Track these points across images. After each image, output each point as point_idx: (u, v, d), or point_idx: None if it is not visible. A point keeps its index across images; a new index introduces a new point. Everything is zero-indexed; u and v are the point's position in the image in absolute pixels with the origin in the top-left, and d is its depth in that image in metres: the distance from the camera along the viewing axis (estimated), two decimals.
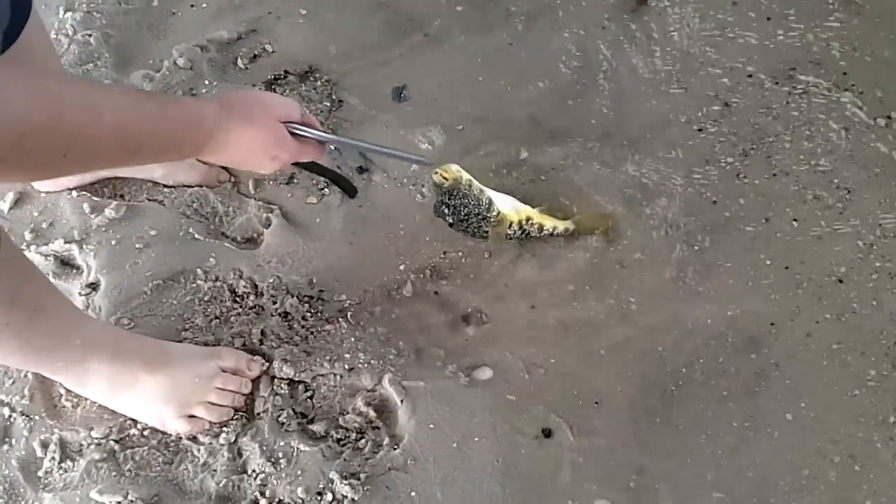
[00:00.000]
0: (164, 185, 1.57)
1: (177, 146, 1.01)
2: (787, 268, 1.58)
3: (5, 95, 0.70)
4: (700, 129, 1.77)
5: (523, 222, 1.53)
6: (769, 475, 1.36)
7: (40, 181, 1.24)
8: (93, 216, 1.51)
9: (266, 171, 1.19)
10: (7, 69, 0.70)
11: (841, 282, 1.57)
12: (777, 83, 1.83)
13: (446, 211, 1.48)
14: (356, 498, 1.26)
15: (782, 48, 1.88)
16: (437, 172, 1.45)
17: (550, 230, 1.56)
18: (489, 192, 1.49)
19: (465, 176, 1.45)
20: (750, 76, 1.84)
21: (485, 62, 1.87)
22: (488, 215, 1.48)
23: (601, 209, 1.64)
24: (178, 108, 1.01)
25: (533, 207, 1.55)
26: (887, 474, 1.36)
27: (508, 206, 1.51)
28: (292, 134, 1.18)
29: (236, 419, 1.33)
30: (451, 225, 1.51)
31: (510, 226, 1.51)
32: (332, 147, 1.35)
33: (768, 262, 1.59)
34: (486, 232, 1.51)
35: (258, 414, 1.34)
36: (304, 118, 1.21)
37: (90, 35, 1.82)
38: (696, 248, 1.60)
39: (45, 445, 1.30)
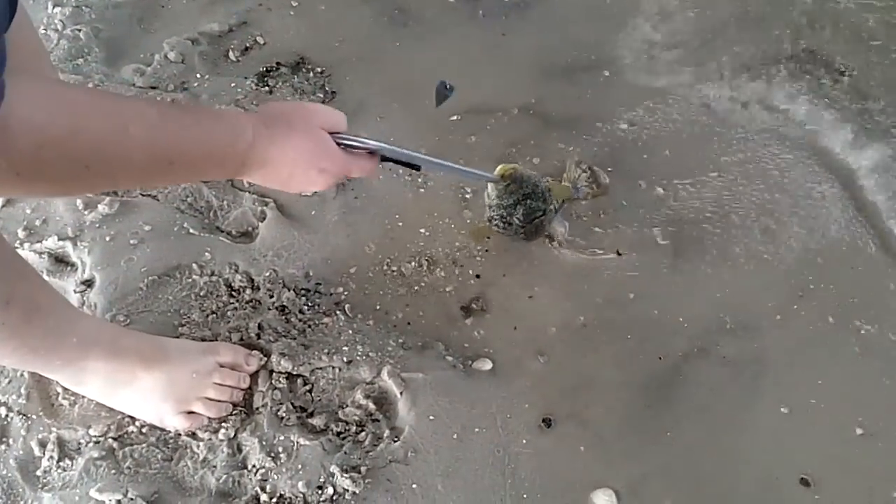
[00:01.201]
0: None
1: (215, 160, 0.96)
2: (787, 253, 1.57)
3: (21, 105, 0.69)
4: (706, 105, 1.76)
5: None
6: (770, 464, 1.35)
7: (67, 196, 1.20)
8: (86, 212, 1.50)
9: (317, 187, 1.11)
10: (23, 78, 0.69)
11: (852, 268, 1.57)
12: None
13: (511, 211, 1.42)
14: (357, 491, 1.25)
15: None
16: (502, 175, 1.37)
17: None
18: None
19: (513, 166, 1.39)
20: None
21: (478, 53, 1.86)
22: (550, 194, 1.47)
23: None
24: (212, 119, 0.96)
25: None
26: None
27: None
28: (341, 147, 1.11)
29: (235, 414, 1.32)
30: (520, 226, 1.45)
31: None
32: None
33: (766, 251, 1.58)
34: (552, 208, 1.50)
35: (257, 409, 1.33)
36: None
37: (80, 30, 1.80)
38: (692, 235, 1.60)
39: (43, 444, 1.29)
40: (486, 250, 1.54)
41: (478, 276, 1.52)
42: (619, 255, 1.56)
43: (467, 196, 1.61)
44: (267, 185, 1.07)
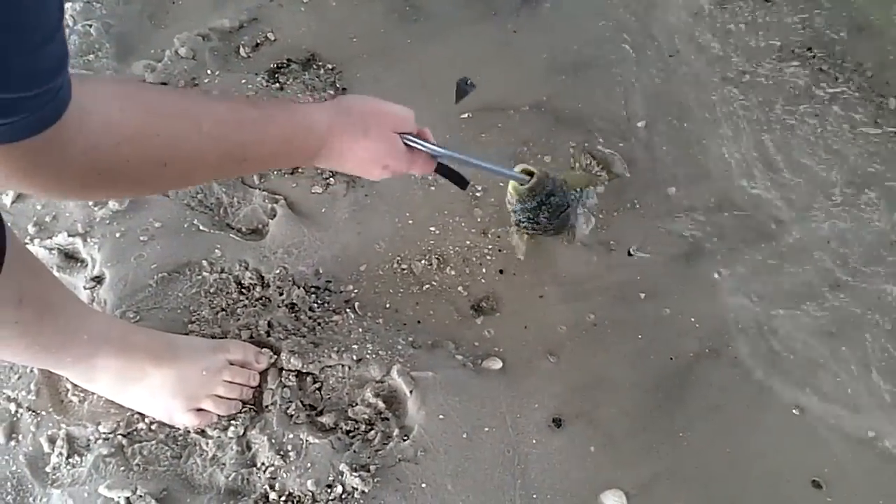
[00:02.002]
0: None
1: (286, 154, 0.98)
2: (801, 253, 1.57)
3: (97, 104, 0.69)
4: (723, 105, 1.75)
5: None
6: (781, 465, 1.35)
7: (145, 195, 1.19)
8: (96, 209, 1.49)
9: (374, 178, 1.15)
10: (96, 81, 0.69)
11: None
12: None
13: (546, 214, 1.41)
14: (366, 490, 1.25)
15: None
16: (528, 177, 1.35)
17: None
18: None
19: (536, 168, 1.37)
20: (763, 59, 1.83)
21: (489, 49, 1.85)
22: (570, 201, 1.48)
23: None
24: (285, 114, 0.98)
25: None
26: None
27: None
28: (405, 144, 1.15)
29: (244, 412, 1.32)
30: (548, 223, 1.44)
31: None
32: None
33: (779, 250, 1.58)
34: (573, 197, 1.52)
35: (266, 406, 1.33)
36: (418, 130, 1.18)
37: (90, 25, 1.80)
38: (704, 234, 1.59)
39: (52, 441, 1.29)
40: (499, 249, 1.54)
41: (488, 275, 1.51)
42: (630, 254, 1.56)
43: (478, 194, 1.60)
44: (328, 169, 1.13)
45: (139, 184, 0.82)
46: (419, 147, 1.16)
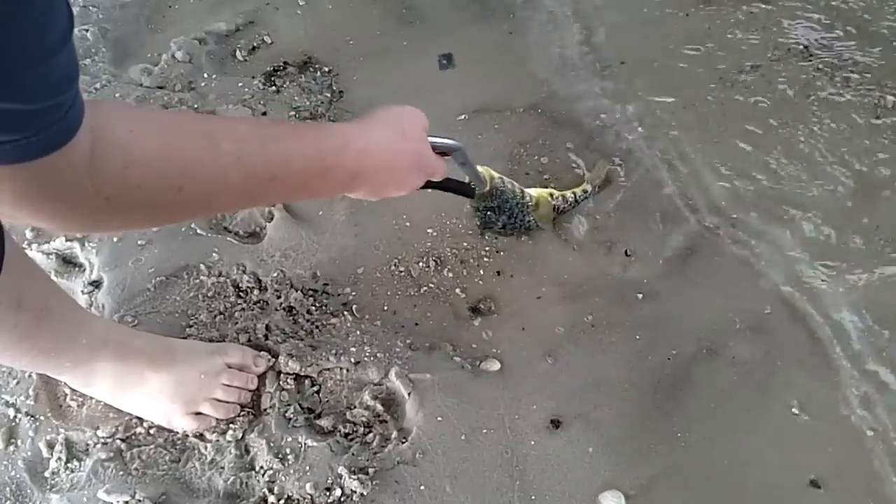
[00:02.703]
0: None
1: (320, 174, 0.90)
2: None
3: (104, 126, 0.66)
4: (720, 105, 1.75)
5: (553, 199, 1.55)
6: (780, 465, 1.35)
7: (166, 225, 1.11)
8: None
9: (407, 190, 1.09)
10: (107, 103, 0.66)
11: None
12: None
13: (493, 217, 1.48)
14: (365, 493, 1.25)
15: None
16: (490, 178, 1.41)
17: (575, 197, 1.59)
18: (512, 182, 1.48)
19: (494, 173, 1.42)
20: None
21: (485, 51, 1.85)
22: (526, 202, 1.49)
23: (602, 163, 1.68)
24: (313, 130, 0.93)
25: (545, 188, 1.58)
26: None
27: (532, 192, 1.52)
28: None
29: (243, 415, 1.32)
30: (503, 228, 1.52)
31: (553, 200, 1.54)
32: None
33: (777, 251, 1.58)
34: (531, 221, 1.53)
35: (265, 410, 1.33)
36: None
37: (87, 30, 1.80)
38: (703, 235, 1.59)
39: (51, 446, 1.29)
40: (496, 251, 1.54)
41: (486, 277, 1.51)
42: (628, 255, 1.56)
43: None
44: (362, 198, 1.05)
45: (155, 211, 0.77)
46: (441, 144, 1.14)
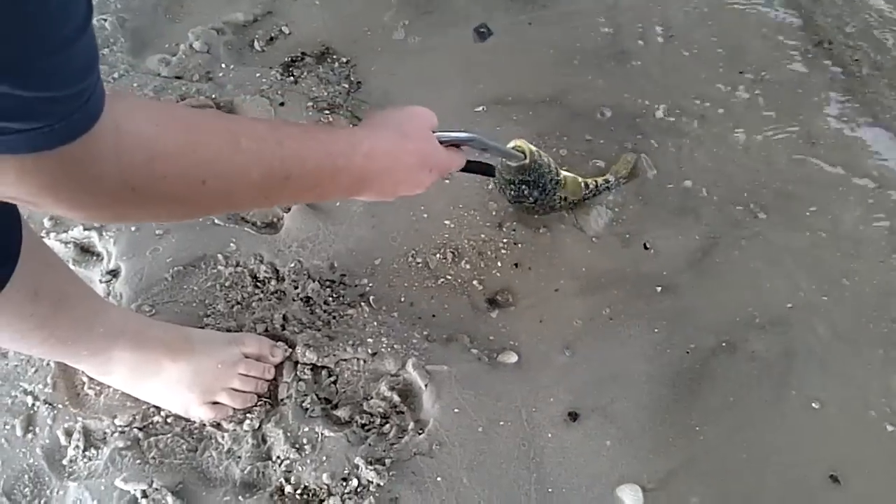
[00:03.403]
0: None
1: (331, 176, 0.93)
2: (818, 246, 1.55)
3: (130, 119, 0.67)
4: (737, 95, 1.74)
5: (581, 183, 1.52)
6: (799, 460, 1.34)
7: (188, 219, 1.13)
8: None
9: (420, 189, 1.09)
10: (131, 97, 0.67)
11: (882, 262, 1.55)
12: None
13: (526, 190, 1.42)
14: (382, 483, 1.25)
15: None
16: (517, 149, 1.37)
17: (597, 186, 1.57)
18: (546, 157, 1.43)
19: (531, 147, 1.38)
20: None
21: (504, 41, 1.84)
22: (559, 180, 1.45)
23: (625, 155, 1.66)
24: (325, 132, 0.94)
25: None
26: None
27: (563, 173, 1.49)
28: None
29: (260, 405, 1.32)
30: (534, 203, 1.45)
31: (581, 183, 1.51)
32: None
33: (797, 244, 1.56)
34: (559, 200, 1.49)
35: (282, 400, 1.33)
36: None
37: (105, 20, 1.80)
38: (724, 228, 1.58)
39: (69, 434, 1.29)
40: (514, 243, 1.53)
41: (503, 269, 1.51)
42: (647, 248, 1.55)
43: (492, 188, 1.59)
44: (375, 199, 1.06)
45: (177, 203, 0.78)
46: (451, 139, 1.13)
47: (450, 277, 1.49)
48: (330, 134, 0.95)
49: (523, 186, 1.40)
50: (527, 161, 1.36)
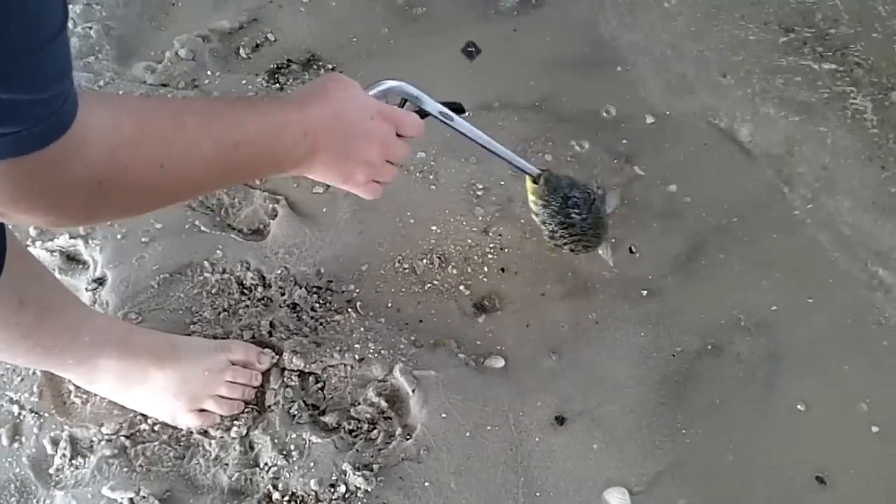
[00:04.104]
0: None
1: (277, 135, 0.93)
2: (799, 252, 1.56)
3: (92, 114, 0.68)
4: (722, 102, 1.75)
5: None
6: (785, 462, 1.35)
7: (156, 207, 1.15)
8: None
9: (373, 141, 1.05)
10: (87, 94, 0.68)
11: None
12: None
13: (576, 209, 1.32)
14: (369, 489, 1.25)
15: None
16: (545, 170, 1.30)
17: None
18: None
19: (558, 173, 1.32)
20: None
21: (490, 48, 1.85)
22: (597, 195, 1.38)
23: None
24: (260, 99, 0.93)
25: None
26: None
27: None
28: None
29: (247, 412, 1.32)
30: (583, 220, 1.34)
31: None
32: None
33: (781, 248, 1.58)
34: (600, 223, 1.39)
35: (269, 406, 1.33)
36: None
37: (90, 27, 1.80)
38: (708, 232, 1.59)
39: (55, 443, 1.29)
40: (500, 248, 1.54)
41: (490, 274, 1.51)
42: (633, 252, 1.55)
43: (479, 193, 1.60)
44: (332, 172, 1.05)
45: (143, 192, 0.79)
46: (377, 91, 1.09)
47: (436, 283, 1.50)
48: (261, 99, 0.96)
49: (568, 207, 1.32)
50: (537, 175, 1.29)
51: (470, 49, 1.27)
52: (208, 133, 0.83)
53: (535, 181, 1.30)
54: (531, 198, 1.34)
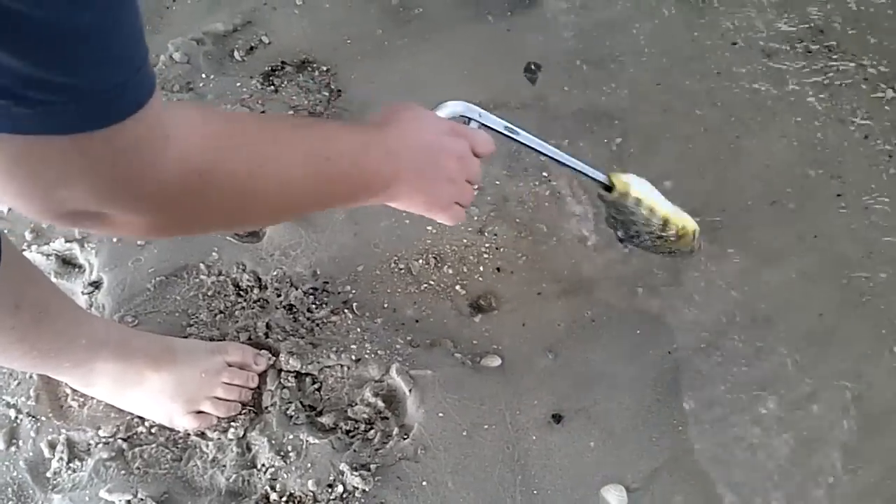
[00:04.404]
0: None
1: (364, 151, 0.92)
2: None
3: (177, 108, 0.68)
4: (717, 98, 1.75)
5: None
6: (781, 459, 1.35)
7: (254, 223, 1.14)
8: None
9: (456, 151, 1.04)
10: (171, 102, 0.67)
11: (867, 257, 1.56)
12: None
13: (615, 224, 1.28)
14: (367, 489, 1.25)
15: None
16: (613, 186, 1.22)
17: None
18: (664, 209, 1.27)
19: (634, 194, 1.23)
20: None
21: (483, 49, 1.85)
22: (664, 234, 1.28)
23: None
24: (341, 123, 0.93)
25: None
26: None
27: (686, 217, 1.31)
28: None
29: (244, 414, 1.32)
30: (620, 241, 1.31)
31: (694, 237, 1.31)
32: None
33: (776, 244, 1.58)
34: (669, 251, 1.33)
35: (266, 408, 1.33)
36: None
37: None
38: (704, 229, 1.59)
39: (52, 446, 1.29)
40: (496, 247, 1.54)
41: (486, 273, 1.51)
42: (624, 246, 1.55)
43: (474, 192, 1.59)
44: (417, 194, 1.03)
45: (241, 197, 0.77)
46: (447, 114, 1.09)
47: (432, 283, 1.50)
48: (337, 122, 0.93)
49: (611, 220, 1.28)
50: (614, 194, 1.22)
51: (531, 70, 1.25)
52: (300, 143, 0.83)
53: (607, 189, 1.22)
54: (606, 209, 1.26)
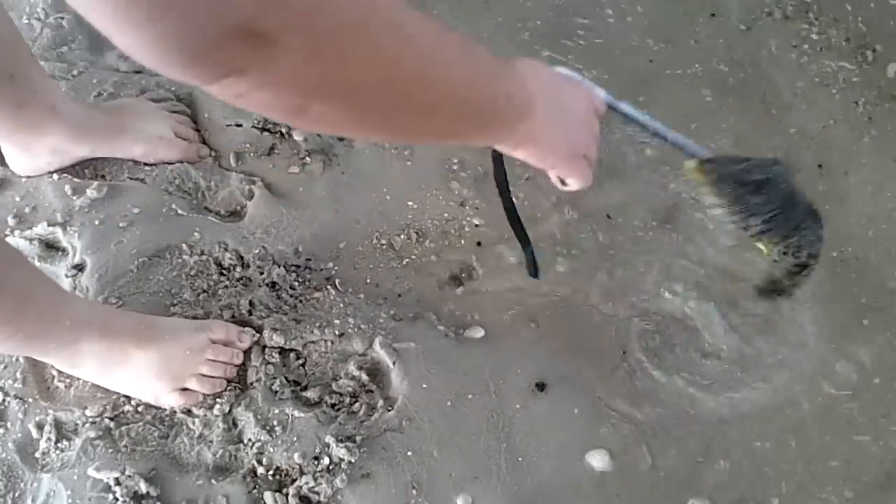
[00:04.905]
0: (145, 164, 1.55)
1: (495, 79, 0.84)
2: None
3: None
4: (704, 77, 1.76)
5: None
6: (758, 419, 1.37)
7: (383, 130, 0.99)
8: (75, 198, 1.49)
9: (591, 131, 0.99)
10: None
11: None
12: None
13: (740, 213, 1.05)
14: (353, 460, 1.26)
15: None
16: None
17: None
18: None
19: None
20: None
21: (461, 22, 1.85)
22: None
23: None
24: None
25: None
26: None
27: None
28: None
29: (229, 390, 1.33)
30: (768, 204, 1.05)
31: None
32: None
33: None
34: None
35: (251, 384, 1.34)
36: None
37: (62, 18, 1.80)
38: (681, 202, 1.60)
39: (40, 427, 1.30)
40: (477, 221, 1.54)
41: (467, 247, 1.52)
42: (609, 218, 1.56)
43: (454, 167, 1.60)
44: (549, 138, 0.95)
45: (378, 85, 0.69)
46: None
47: (414, 257, 1.51)
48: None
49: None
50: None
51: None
52: (440, 44, 0.75)
53: (702, 164, 1.06)
54: (701, 190, 1.07)
